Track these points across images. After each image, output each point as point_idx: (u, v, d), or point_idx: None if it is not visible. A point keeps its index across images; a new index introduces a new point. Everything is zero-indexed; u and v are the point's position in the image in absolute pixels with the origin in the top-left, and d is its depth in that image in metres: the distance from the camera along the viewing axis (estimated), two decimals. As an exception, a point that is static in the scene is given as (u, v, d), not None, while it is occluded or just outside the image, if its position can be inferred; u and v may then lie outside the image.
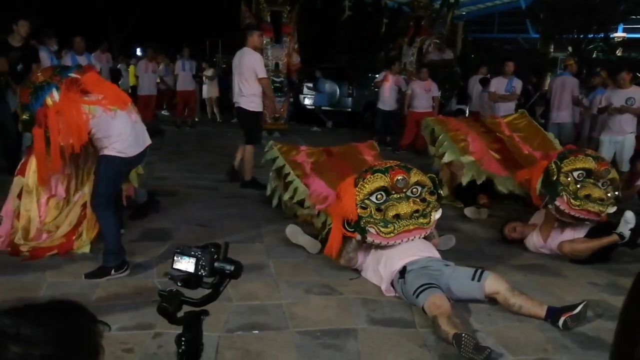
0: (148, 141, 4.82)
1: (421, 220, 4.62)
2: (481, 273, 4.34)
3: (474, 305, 4.35)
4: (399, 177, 4.56)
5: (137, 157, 4.69)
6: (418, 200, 4.66)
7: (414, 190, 4.69)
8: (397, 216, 4.53)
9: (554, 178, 5.54)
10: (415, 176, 4.70)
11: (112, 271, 4.57)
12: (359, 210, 4.56)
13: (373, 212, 4.57)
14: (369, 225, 4.54)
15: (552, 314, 4.07)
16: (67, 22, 19.37)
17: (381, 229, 4.51)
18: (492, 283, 4.27)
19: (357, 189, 4.61)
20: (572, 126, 10.70)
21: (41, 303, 1.24)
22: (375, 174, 4.63)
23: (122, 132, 4.50)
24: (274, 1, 14.04)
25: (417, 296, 4.11)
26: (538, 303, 4.20)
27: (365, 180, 4.62)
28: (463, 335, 3.53)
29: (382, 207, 4.59)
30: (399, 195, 4.63)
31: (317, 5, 21.26)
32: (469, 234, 6.43)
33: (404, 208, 4.54)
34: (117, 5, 23.03)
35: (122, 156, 4.51)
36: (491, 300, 4.34)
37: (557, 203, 5.52)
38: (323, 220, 5.61)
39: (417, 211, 4.60)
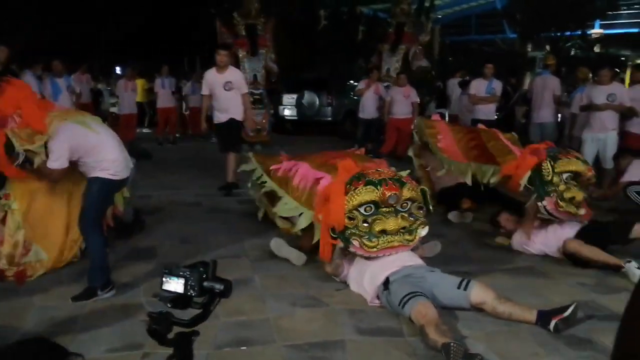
0: (131, 164, 4.91)
1: (407, 236, 4.57)
2: (467, 282, 4.30)
3: (462, 310, 4.32)
4: (390, 194, 4.49)
5: (125, 180, 4.81)
6: (406, 215, 4.61)
7: (404, 205, 4.63)
8: (384, 231, 4.49)
9: (549, 178, 5.49)
10: (408, 192, 4.60)
11: (99, 291, 4.56)
12: (345, 221, 4.52)
13: (359, 224, 4.52)
14: (353, 237, 4.50)
15: (542, 317, 4.04)
16: (60, 32, 19.41)
17: (365, 242, 4.46)
18: (479, 293, 4.22)
19: (347, 197, 4.53)
20: (554, 125, 10.74)
21: (16, 343, 1.24)
22: (368, 187, 4.52)
23: (116, 157, 4.61)
24: (248, 14, 14.01)
25: (403, 307, 4.07)
26: (527, 308, 4.16)
27: (356, 191, 4.52)
28: (452, 344, 3.47)
29: (370, 219, 4.53)
30: (388, 210, 4.57)
31: (293, 16, 21.23)
32: (454, 238, 6.43)
33: (392, 224, 4.49)
34: (118, 5, 23.07)
35: (114, 179, 4.61)
36: (478, 309, 4.29)
37: (544, 203, 5.52)
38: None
39: (404, 228, 4.56)
